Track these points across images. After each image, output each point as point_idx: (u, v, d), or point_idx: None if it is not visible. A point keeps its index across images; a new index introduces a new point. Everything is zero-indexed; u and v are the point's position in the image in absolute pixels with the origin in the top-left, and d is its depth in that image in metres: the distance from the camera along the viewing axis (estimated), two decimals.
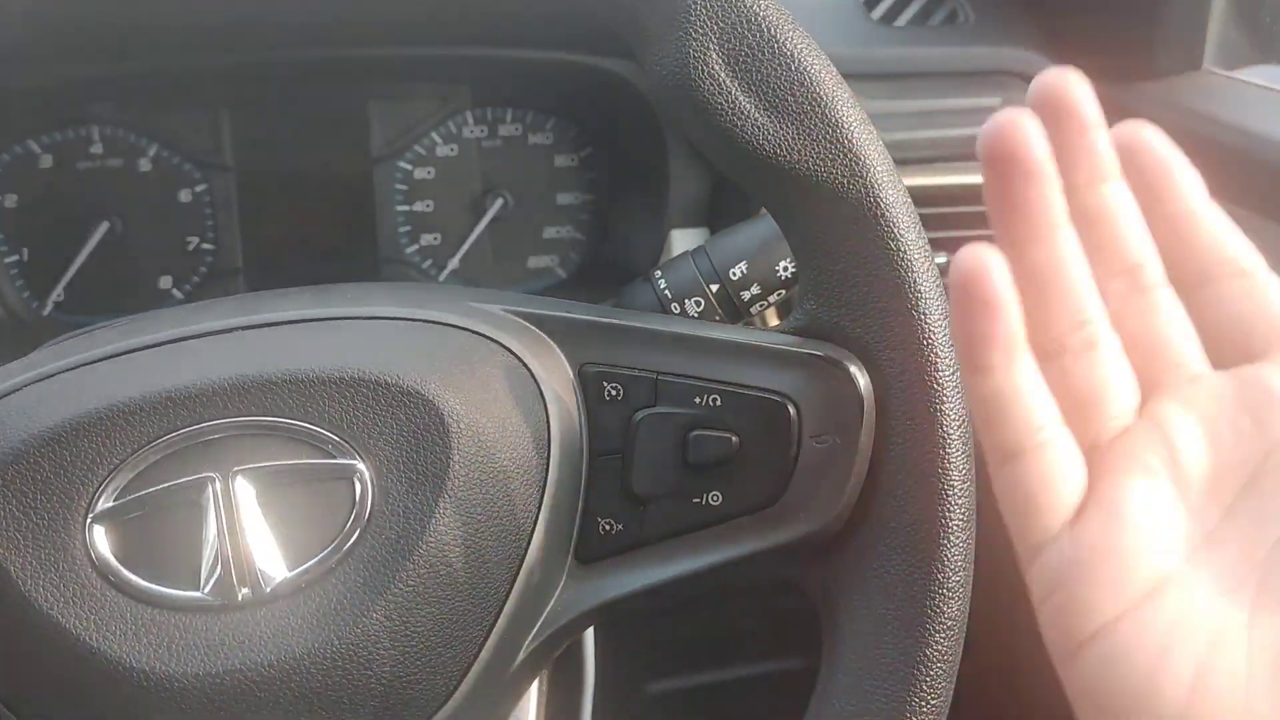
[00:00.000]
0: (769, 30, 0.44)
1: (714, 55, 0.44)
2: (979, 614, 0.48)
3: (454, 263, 0.82)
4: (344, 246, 0.81)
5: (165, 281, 0.79)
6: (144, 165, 0.77)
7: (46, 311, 0.77)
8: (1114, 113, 0.88)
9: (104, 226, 0.76)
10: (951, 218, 0.76)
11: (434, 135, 0.81)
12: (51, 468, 0.40)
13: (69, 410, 0.41)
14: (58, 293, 0.77)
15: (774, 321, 0.70)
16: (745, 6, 0.44)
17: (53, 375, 0.42)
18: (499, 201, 0.81)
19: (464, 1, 0.57)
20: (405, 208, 0.81)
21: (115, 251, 0.77)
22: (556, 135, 0.82)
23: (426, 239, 0.82)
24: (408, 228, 0.81)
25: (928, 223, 0.47)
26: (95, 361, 0.43)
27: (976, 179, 0.79)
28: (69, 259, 0.77)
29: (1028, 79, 0.81)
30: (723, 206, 0.78)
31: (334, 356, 0.42)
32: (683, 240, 0.79)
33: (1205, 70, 0.83)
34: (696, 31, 0.44)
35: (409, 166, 0.81)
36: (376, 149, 0.80)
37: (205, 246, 0.79)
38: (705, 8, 0.44)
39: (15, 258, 0.77)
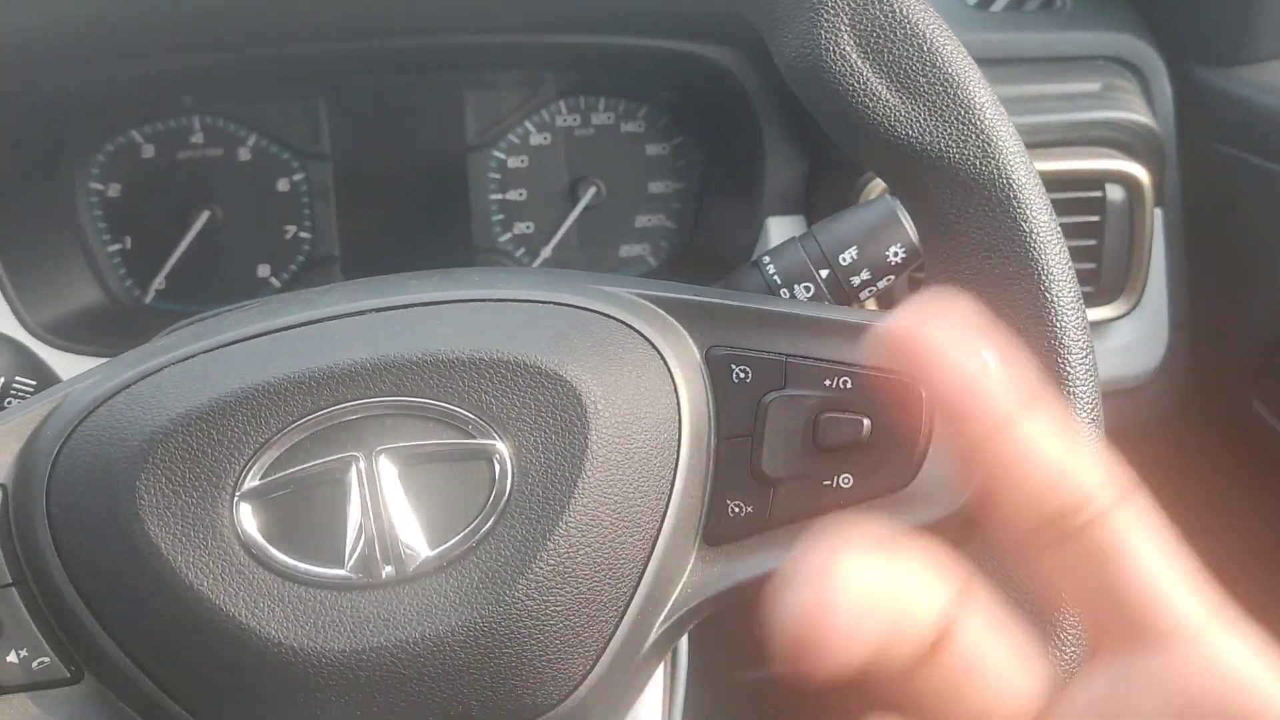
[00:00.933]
0: (900, 10, 0.44)
1: (845, 36, 0.44)
2: None
3: (546, 251, 0.82)
4: (438, 235, 0.81)
5: (264, 270, 0.80)
6: (243, 154, 0.78)
7: (149, 299, 0.79)
8: (1211, 96, 0.87)
9: (204, 215, 0.77)
10: (1056, 204, 0.75)
11: (527, 124, 0.81)
12: (199, 446, 0.40)
13: (214, 390, 0.41)
14: (159, 280, 0.78)
15: (874, 308, 0.70)
16: None
17: (194, 356, 0.43)
18: (591, 190, 0.81)
19: None
20: (499, 196, 0.81)
21: (215, 240, 0.78)
22: (649, 123, 0.82)
23: (520, 227, 0.82)
24: (501, 216, 0.82)
25: None
26: (234, 343, 0.43)
27: (1077, 164, 0.78)
28: (170, 247, 0.78)
29: (1126, 64, 0.81)
30: (819, 193, 0.78)
31: (471, 338, 0.43)
32: (779, 228, 0.78)
33: None
34: (828, 12, 0.44)
35: (502, 155, 0.81)
36: (471, 138, 0.80)
37: (302, 235, 0.79)
38: None
39: (118, 246, 0.78)
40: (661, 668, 0.54)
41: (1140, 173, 0.75)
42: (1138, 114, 0.77)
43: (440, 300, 0.45)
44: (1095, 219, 0.76)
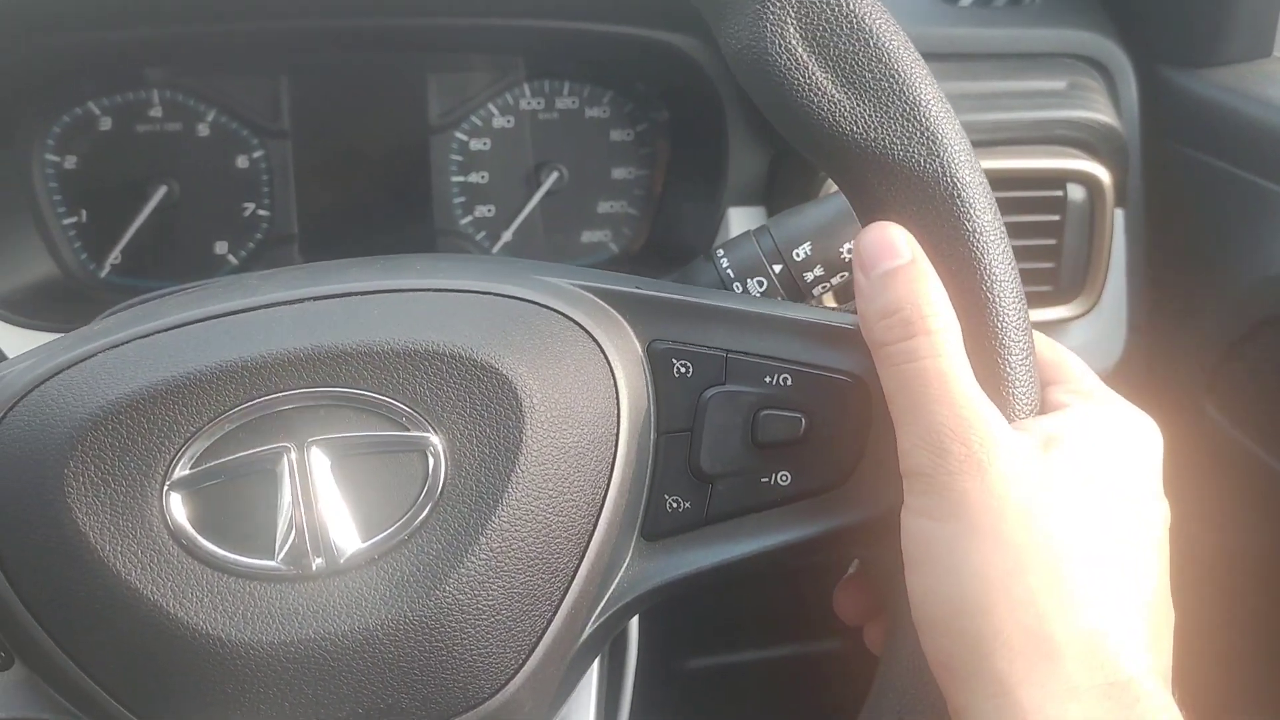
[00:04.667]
0: (847, 5, 0.43)
1: (791, 29, 0.43)
2: None
3: (507, 235, 0.82)
4: (398, 216, 0.80)
5: (221, 247, 0.79)
6: (202, 130, 0.77)
7: (104, 274, 0.78)
8: (1177, 97, 0.86)
9: (161, 190, 0.77)
10: (1015, 202, 0.75)
11: (490, 106, 0.80)
12: (129, 434, 0.40)
13: (146, 377, 0.41)
14: (115, 255, 0.78)
15: (831, 304, 0.70)
16: None
17: (128, 342, 0.42)
18: (554, 175, 0.81)
19: None
20: (460, 179, 0.81)
21: (172, 216, 0.78)
22: (613, 109, 0.81)
23: (481, 210, 0.81)
24: (462, 199, 0.81)
25: None
26: (170, 329, 0.43)
27: (1038, 163, 0.78)
28: (127, 222, 0.77)
29: (1094, 62, 0.81)
30: (781, 185, 0.78)
31: (407, 329, 0.42)
32: (740, 218, 0.78)
33: (1275, 58, 0.81)
34: (774, 5, 0.43)
35: (465, 137, 0.80)
36: (433, 119, 0.79)
37: (261, 213, 0.79)
38: None
39: (74, 220, 0.77)
40: (597, 662, 0.54)
41: (1102, 173, 0.75)
42: (1101, 114, 0.77)
43: (378, 290, 0.44)
44: (1055, 218, 0.76)
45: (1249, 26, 0.80)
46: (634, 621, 0.74)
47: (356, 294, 0.44)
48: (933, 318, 0.42)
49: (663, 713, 0.90)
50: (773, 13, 0.43)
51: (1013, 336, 0.45)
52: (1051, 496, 0.40)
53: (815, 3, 0.43)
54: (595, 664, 0.54)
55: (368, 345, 0.42)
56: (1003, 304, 0.44)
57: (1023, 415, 0.44)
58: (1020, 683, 0.37)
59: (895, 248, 0.43)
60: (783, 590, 0.90)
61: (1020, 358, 0.45)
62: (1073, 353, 0.47)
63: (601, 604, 0.45)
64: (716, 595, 0.92)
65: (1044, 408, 0.45)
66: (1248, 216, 0.75)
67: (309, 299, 0.44)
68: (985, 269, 0.44)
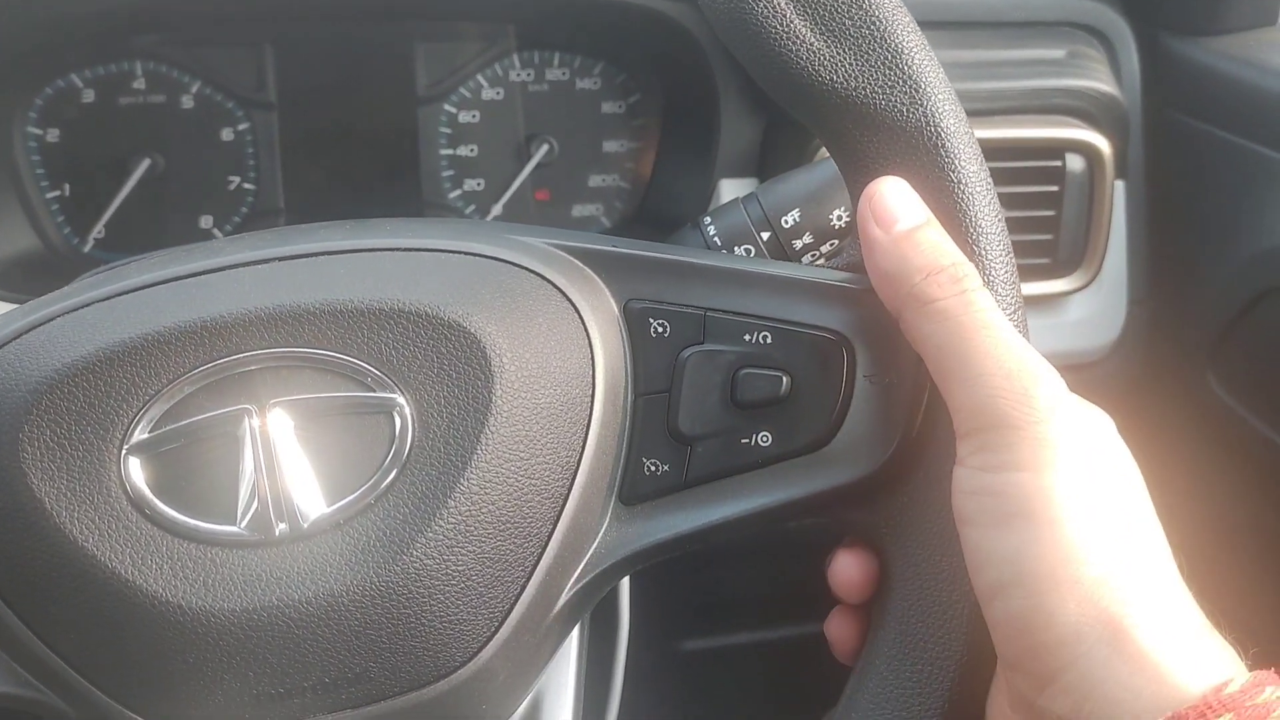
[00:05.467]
0: None
1: None
2: None
3: (497, 209, 0.81)
4: (386, 189, 0.79)
5: (206, 221, 0.78)
6: (186, 102, 0.76)
7: (87, 248, 0.77)
8: (1179, 66, 0.85)
9: (145, 163, 0.76)
10: (1013, 172, 0.73)
11: (479, 78, 0.79)
12: (86, 398, 0.39)
13: (102, 340, 0.40)
14: (98, 229, 0.77)
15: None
16: None
17: (86, 305, 0.41)
18: (544, 147, 0.80)
19: None
20: (449, 151, 0.80)
21: (156, 189, 0.77)
22: (604, 80, 0.80)
23: (470, 184, 0.80)
24: (451, 172, 0.80)
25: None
26: (129, 292, 0.42)
27: (1041, 132, 0.76)
28: (110, 196, 0.76)
29: (1095, 31, 0.79)
30: (773, 156, 0.76)
31: (373, 288, 0.41)
32: (732, 190, 0.77)
33: (1279, 27, 0.80)
34: None
35: (454, 109, 0.79)
36: (421, 90, 0.78)
37: (246, 186, 0.78)
38: None
39: (56, 193, 0.76)
40: (575, 634, 0.52)
41: (1102, 143, 0.74)
42: (1101, 83, 0.76)
43: (344, 249, 0.43)
44: (1054, 189, 0.74)
45: None
46: (625, 603, 0.73)
47: (322, 254, 0.43)
48: (977, 274, 0.41)
49: (658, 695, 0.89)
50: None
51: (1002, 291, 0.43)
52: (1108, 454, 0.40)
53: None
54: (575, 641, 0.53)
55: (331, 304, 0.40)
56: (991, 255, 0.43)
57: None
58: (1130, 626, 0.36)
59: (913, 203, 0.42)
60: (777, 571, 0.89)
61: (1011, 310, 0.43)
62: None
63: (578, 570, 0.44)
64: (711, 576, 0.91)
65: None
66: (1250, 187, 0.74)
67: (275, 259, 0.43)
68: (972, 220, 0.43)
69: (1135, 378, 0.80)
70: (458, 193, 0.80)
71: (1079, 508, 0.38)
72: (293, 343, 0.40)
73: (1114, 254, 0.79)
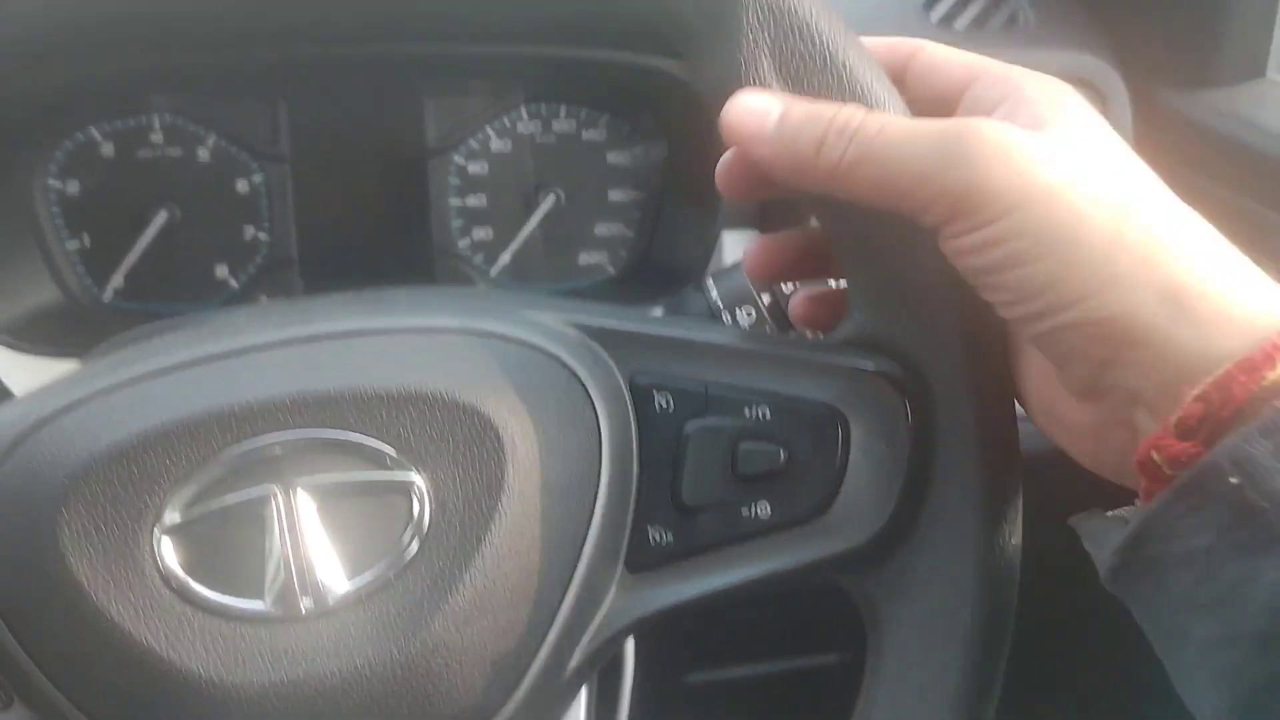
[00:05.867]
0: (821, 39, 0.44)
1: (765, 64, 0.44)
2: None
3: (505, 258, 0.82)
4: (397, 239, 0.81)
5: (221, 271, 0.80)
6: (203, 155, 0.78)
7: (106, 298, 0.79)
8: (1171, 119, 0.86)
9: (163, 215, 0.78)
10: None
11: (488, 130, 0.81)
12: (121, 482, 0.41)
13: (135, 425, 0.41)
14: (117, 279, 0.79)
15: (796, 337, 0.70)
16: (798, 15, 0.44)
17: (117, 388, 0.43)
18: (551, 197, 0.82)
19: (512, 4, 0.57)
20: (458, 202, 0.82)
21: (173, 240, 0.79)
22: (610, 132, 0.82)
23: (479, 233, 0.82)
24: (460, 222, 0.82)
25: None
26: (158, 373, 0.43)
27: None
28: (128, 246, 0.78)
29: (1089, 84, 0.81)
30: (773, 209, 0.78)
31: (393, 371, 0.43)
32: (733, 241, 0.79)
33: (1269, 79, 0.81)
34: (749, 41, 0.44)
35: (463, 161, 0.81)
36: (431, 142, 0.80)
37: (261, 237, 0.80)
38: (757, 15, 0.44)
39: (76, 244, 0.78)
40: (585, 688, 0.54)
41: None
42: None
43: (362, 330, 0.45)
44: None
45: (1241, 47, 0.81)
46: (630, 638, 0.75)
47: (341, 335, 0.45)
48: (859, 110, 0.41)
49: None
50: (748, 48, 0.44)
51: (985, 367, 0.45)
52: (1087, 138, 0.40)
53: (790, 38, 0.44)
54: (584, 690, 0.55)
55: (352, 389, 0.42)
56: (976, 334, 0.45)
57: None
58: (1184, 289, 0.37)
59: (766, 99, 0.42)
60: (779, 605, 0.91)
61: (993, 389, 0.45)
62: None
63: (587, 636, 0.46)
64: (713, 611, 0.92)
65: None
66: (1241, 241, 0.75)
67: (298, 340, 0.45)
68: (957, 300, 0.44)
69: None
70: (467, 241, 0.82)
71: (1100, 200, 0.37)
72: (316, 425, 0.42)
73: None
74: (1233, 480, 0.35)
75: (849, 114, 0.41)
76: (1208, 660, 0.36)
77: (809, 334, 0.55)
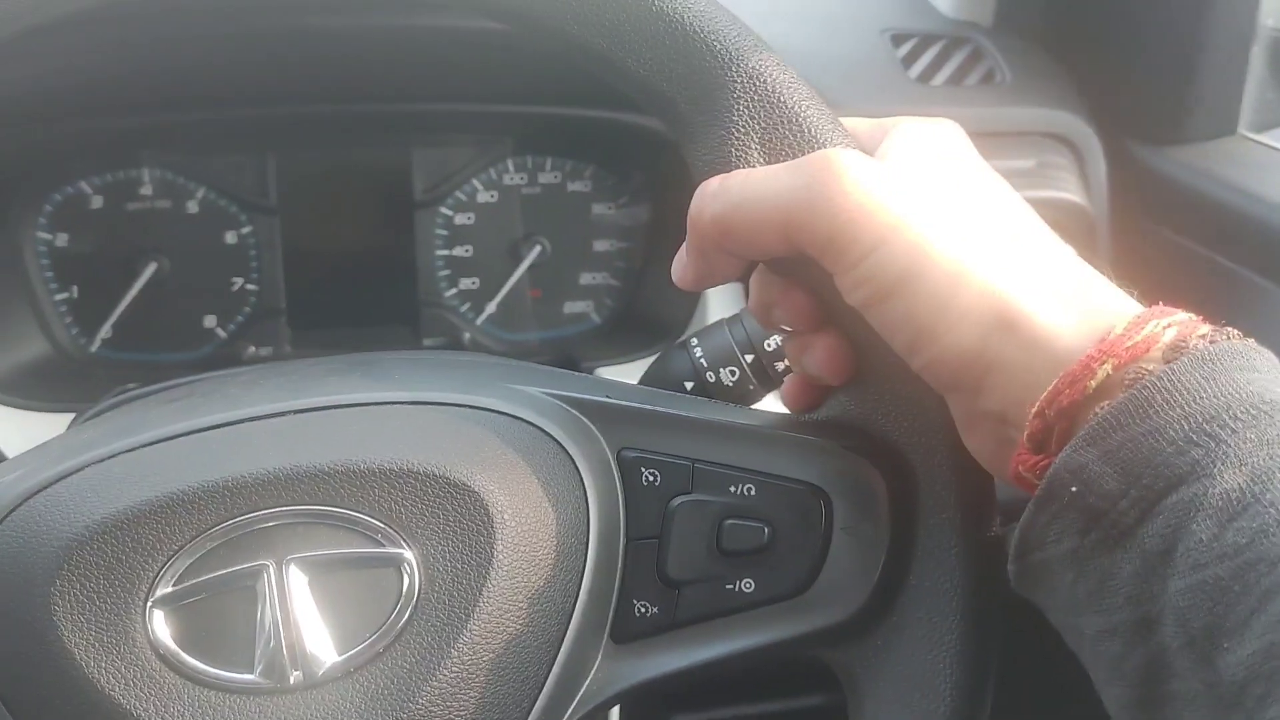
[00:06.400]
0: (808, 130, 0.45)
1: (755, 153, 0.45)
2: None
3: (491, 307, 0.83)
4: (384, 289, 0.82)
5: (210, 321, 0.81)
6: (192, 207, 0.79)
7: (95, 348, 0.79)
8: (1145, 175, 0.88)
9: (152, 266, 0.78)
10: None
11: (475, 182, 0.82)
12: (114, 554, 0.41)
13: (131, 496, 0.42)
14: (106, 330, 0.79)
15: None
16: (787, 106, 0.45)
17: (110, 458, 0.44)
18: (537, 248, 0.83)
19: (506, 69, 0.58)
20: (445, 252, 0.82)
21: (162, 291, 0.79)
22: (595, 183, 0.83)
23: (465, 283, 0.83)
24: (447, 272, 0.83)
25: None
26: (151, 444, 0.44)
27: None
28: (117, 298, 0.79)
29: (1065, 140, 0.83)
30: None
31: (385, 447, 0.44)
32: (717, 294, 0.80)
33: (1239, 136, 0.83)
34: (739, 130, 0.45)
35: (450, 212, 0.82)
36: (418, 194, 0.81)
37: (249, 287, 0.80)
38: (747, 106, 0.45)
39: (65, 295, 0.79)
40: None
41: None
42: (1069, 193, 0.79)
43: (355, 403, 0.46)
44: None
45: (1213, 105, 0.82)
46: None
47: (333, 407, 0.45)
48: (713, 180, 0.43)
49: None
50: (737, 138, 0.45)
51: (964, 452, 0.46)
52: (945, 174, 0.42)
53: (779, 128, 0.45)
54: None
55: (344, 465, 0.43)
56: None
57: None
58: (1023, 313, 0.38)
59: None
60: None
61: (972, 474, 0.46)
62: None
63: (571, 707, 0.47)
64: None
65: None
66: (1213, 296, 0.77)
67: (289, 412, 0.45)
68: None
69: None
70: (453, 291, 0.83)
71: (942, 236, 0.39)
72: (307, 500, 0.43)
73: None
74: (1073, 489, 0.37)
75: (722, 175, 0.43)
76: (1099, 653, 0.38)
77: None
